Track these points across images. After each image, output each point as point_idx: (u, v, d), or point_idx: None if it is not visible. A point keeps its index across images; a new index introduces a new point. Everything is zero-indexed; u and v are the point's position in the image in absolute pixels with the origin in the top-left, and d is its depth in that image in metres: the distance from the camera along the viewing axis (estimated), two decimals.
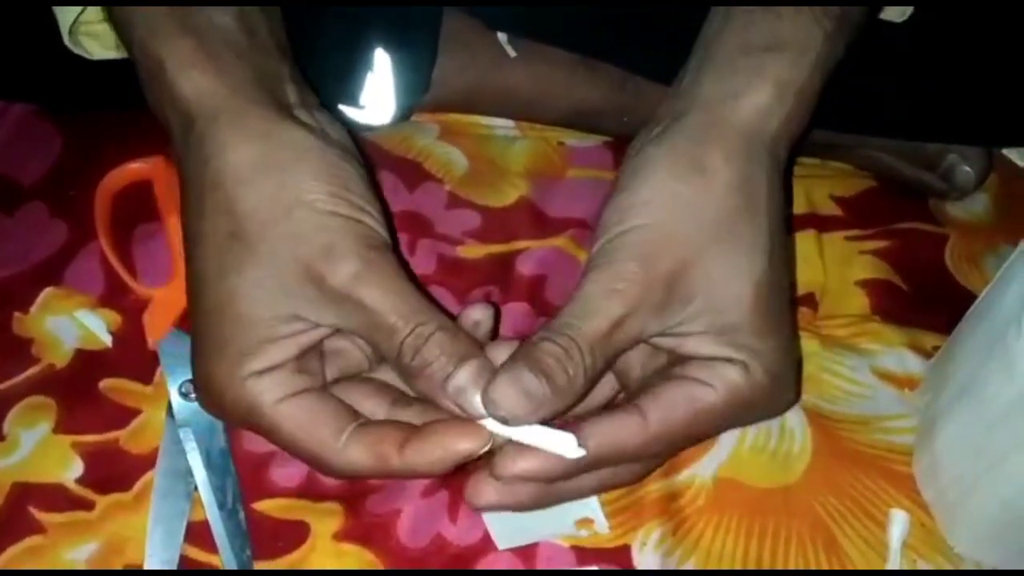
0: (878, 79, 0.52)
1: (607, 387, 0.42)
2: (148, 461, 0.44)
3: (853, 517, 0.44)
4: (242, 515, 0.42)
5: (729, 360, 0.37)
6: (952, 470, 0.42)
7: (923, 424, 0.45)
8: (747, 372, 0.37)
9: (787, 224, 0.41)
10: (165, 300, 0.48)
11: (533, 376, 0.35)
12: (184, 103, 0.39)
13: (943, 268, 0.54)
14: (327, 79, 0.55)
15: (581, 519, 0.43)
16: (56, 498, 0.43)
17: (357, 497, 0.43)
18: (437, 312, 0.37)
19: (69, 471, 0.44)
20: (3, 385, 0.46)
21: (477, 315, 0.41)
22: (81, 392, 0.46)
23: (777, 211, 0.39)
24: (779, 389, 0.39)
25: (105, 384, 0.47)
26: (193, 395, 0.43)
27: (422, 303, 0.37)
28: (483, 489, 0.37)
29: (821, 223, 0.55)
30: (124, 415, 0.46)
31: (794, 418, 0.46)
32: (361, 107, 0.56)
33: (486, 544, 0.42)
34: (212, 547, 0.41)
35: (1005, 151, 0.59)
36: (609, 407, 0.40)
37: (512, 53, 0.56)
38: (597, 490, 0.41)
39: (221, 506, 0.42)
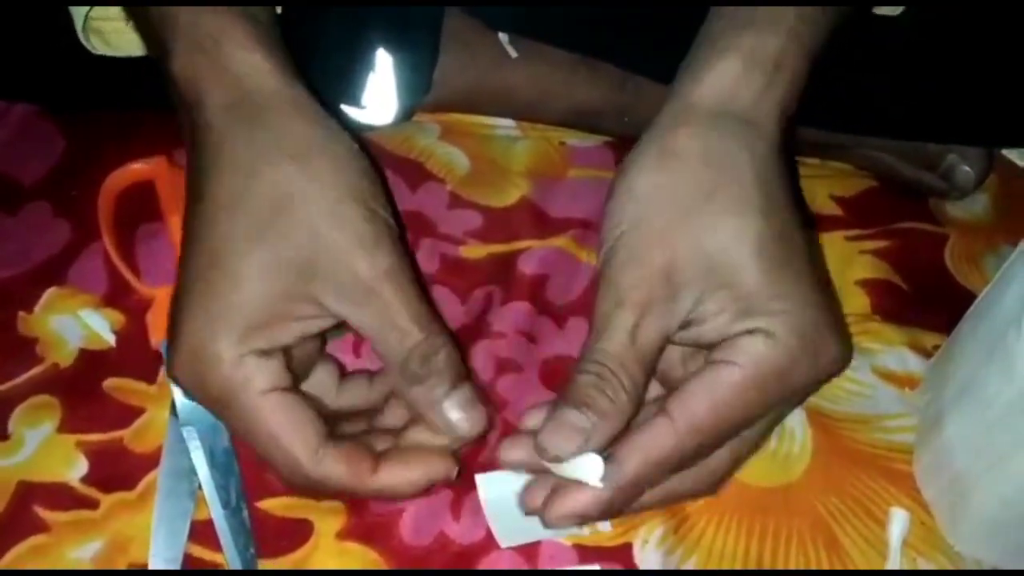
0: (878, 79, 0.52)
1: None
2: (152, 460, 0.44)
3: (854, 516, 0.44)
4: (246, 514, 0.42)
5: (749, 332, 0.36)
6: (952, 469, 0.42)
7: (923, 423, 0.46)
8: (771, 338, 0.36)
9: (794, 188, 0.40)
10: (168, 300, 0.48)
11: (575, 411, 0.36)
12: (238, 79, 0.39)
13: (943, 268, 0.54)
14: (329, 79, 0.55)
15: None
16: (60, 497, 0.43)
17: None
18: (445, 327, 0.39)
19: (73, 470, 0.44)
20: (7, 384, 0.47)
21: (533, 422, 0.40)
22: (85, 391, 0.47)
23: (769, 172, 0.38)
24: (816, 346, 0.37)
25: (109, 383, 0.47)
26: None
27: (434, 314, 0.38)
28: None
29: (821, 223, 0.55)
30: (128, 414, 0.46)
31: (795, 418, 0.46)
32: (363, 107, 0.56)
33: (489, 542, 0.43)
34: (216, 546, 0.42)
35: (1005, 151, 0.59)
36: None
37: (513, 53, 0.56)
38: (667, 502, 0.41)
39: (225, 505, 0.42)
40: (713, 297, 0.37)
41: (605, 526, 0.43)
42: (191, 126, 0.40)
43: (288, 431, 0.37)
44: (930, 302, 0.52)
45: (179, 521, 0.42)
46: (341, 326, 0.39)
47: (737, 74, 0.39)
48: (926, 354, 0.49)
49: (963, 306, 0.45)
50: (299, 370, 0.40)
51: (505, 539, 0.43)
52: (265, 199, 0.37)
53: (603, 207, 0.39)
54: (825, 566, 0.42)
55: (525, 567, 0.42)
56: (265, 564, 0.42)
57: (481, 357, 0.48)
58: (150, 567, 0.41)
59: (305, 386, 0.41)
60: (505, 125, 0.59)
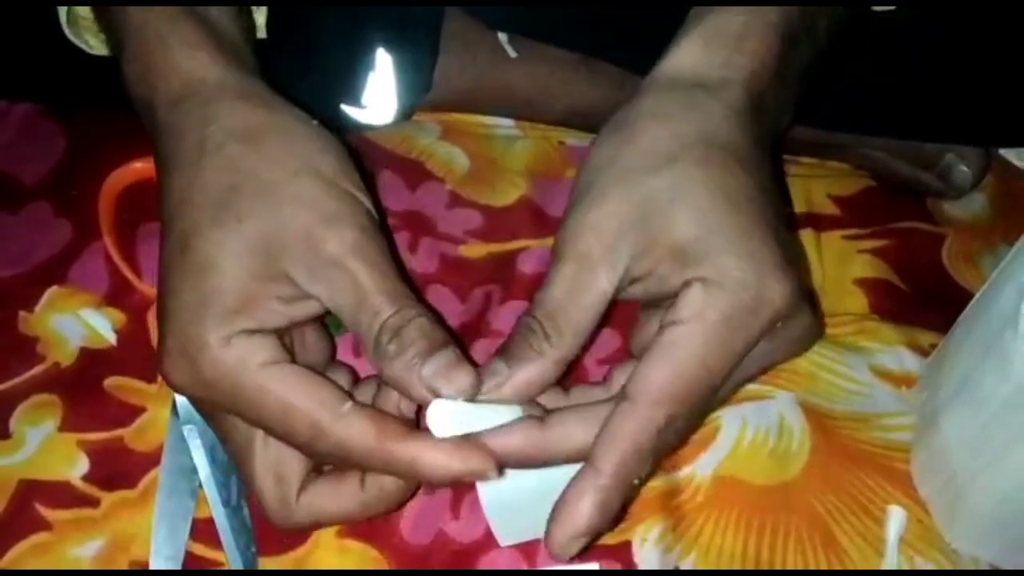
0: (876, 79, 0.53)
1: None
2: (153, 459, 0.44)
3: (851, 514, 0.44)
4: (246, 511, 0.43)
5: (688, 283, 0.35)
6: (949, 467, 0.43)
7: (920, 422, 0.46)
8: (709, 285, 0.34)
9: (769, 163, 0.39)
10: None
11: (498, 359, 0.36)
12: (183, 74, 0.39)
13: (940, 267, 0.54)
14: (329, 78, 0.55)
15: None
16: (62, 495, 0.44)
17: None
18: (418, 302, 0.37)
19: (74, 468, 0.44)
20: (9, 383, 0.47)
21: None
22: (86, 390, 0.47)
23: (718, 129, 0.37)
24: (760, 282, 0.35)
25: (110, 382, 0.47)
26: None
27: (407, 289, 0.37)
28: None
29: (819, 222, 0.55)
30: (129, 413, 0.46)
31: (793, 416, 0.46)
32: (363, 106, 0.56)
33: (488, 540, 0.43)
34: (217, 544, 0.42)
35: (1002, 151, 0.59)
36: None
37: (512, 53, 0.56)
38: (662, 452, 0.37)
39: (225, 503, 0.42)
40: (650, 248, 0.36)
41: None
42: (149, 126, 0.40)
43: (301, 394, 0.35)
44: (927, 301, 0.52)
45: (180, 519, 0.43)
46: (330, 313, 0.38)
47: (697, 50, 0.39)
48: (923, 353, 0.49)
49: (960, 305, 0.45)
50: None
51: (505, 537, 0.43)
52: (218, 184, 0.37)
53: None
54: (823, 564, 0.43)
55: (525, 565, 0.42)
56: (266, 562, 0.42)
57: (480, 356, 0.48)
58: (151, 565, 0.41)
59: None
60: (505, 125, 0.59)
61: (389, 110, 0.57)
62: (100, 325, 0.49)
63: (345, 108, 0.56)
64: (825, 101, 0.49)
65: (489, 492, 0.43)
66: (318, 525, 0.40)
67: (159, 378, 0.47)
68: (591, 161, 0.39)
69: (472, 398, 0.35)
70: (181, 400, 0.44)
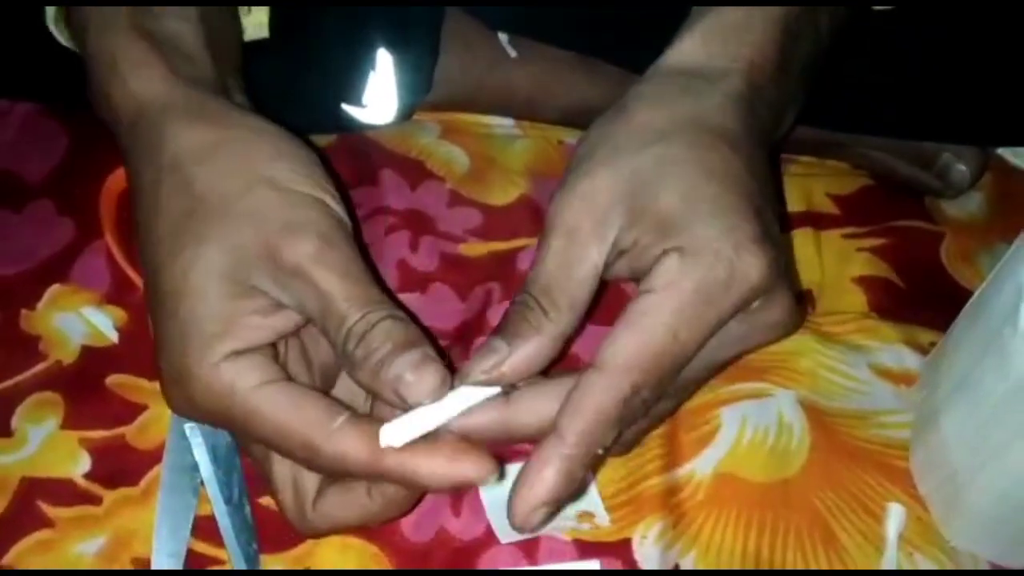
0: (874, 78, 0.53)
1: None
2: (155, 456, 0.45)
3: (850, 511, 0.44)
4: (248, 509, 0.43)
5: (665, 252, 0.35)
6: (948, 465, 0.43)
7: (920, 419, 0.46)
8: (685, 255, 0.34)
9: (764, 149, 0.39)
10: None
11: (496, 337, 0.35)
12: (135, 96, 0.39)
13: (939, 265, 0.54)
14: (330, 78, 0.55)
15: (582, 512, 0.44)
16: (64, 493, 0.44)
17: None
18: (390, 302, 0.36)
19: (77, 466, 0.45)
20: (11, 381, 0.47)
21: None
22: (88, 388, 0.47)
23: (709, 112, 0.37)
24: (735, 254, 0.34)
25: (112, 380, 0.47)
26: None
27: (376, 291, 0.36)
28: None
29: (818, 221, 0.55)
30: (131, 411, 0.46)
31: (792, 414, 0.47)
32: (363, 106, 0.56)
33: (489, 538, 0.43)
34: (219, 541, 0.42)
35: (1000, 150, 0.59)
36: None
37: (512, 53, 0.56)
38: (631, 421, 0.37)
39: (227, 500, 0.42)
40: (636, 220, 0.36)
41: (604, 521, 0.43)
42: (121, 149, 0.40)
43: (292, 415, 0.35)
44: (926, 299, 0.52)
45: (182, 517, 0.43)
46: None
47: (698, 43, 0.40)
48: (922, 351, 0.49)
49: (959, 303, 0.45)
50: (323, 382, 0.40)
51: (505, 535, 0.43)
52: (175, 209, 0.36)
53: None
54: (822, 561, 0.43)
55: (525, 562, 0.43)
56: (267, 560, 0.42)
57: None
58: (153, 563, 0.42)
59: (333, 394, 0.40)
60: (504, 124, 0.59)
61: (389, 110, 0.57)
62: (102, 323, 0.49)
63: (346, 107, 0.56)
64: (824, 100, 0.49)
65: (489, 489, 0.43)
66: (336, 531, 0.39)
67: None
68: (586, 140, 0.39)
69: (441, 397, 0.34)
70: None
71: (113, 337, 0.49)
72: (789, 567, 0.43)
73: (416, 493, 0.38)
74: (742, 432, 0.46)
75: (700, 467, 0.45)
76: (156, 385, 0.46)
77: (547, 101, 0.57)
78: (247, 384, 0.35)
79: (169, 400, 0.37)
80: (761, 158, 0.38)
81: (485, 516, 0.43)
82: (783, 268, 0.36)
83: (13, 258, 0.51)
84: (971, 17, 0.51)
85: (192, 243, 0.36)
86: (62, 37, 0.46)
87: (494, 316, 0.50)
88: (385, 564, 0.42)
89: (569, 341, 0.36)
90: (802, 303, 0.42)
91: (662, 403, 0.38)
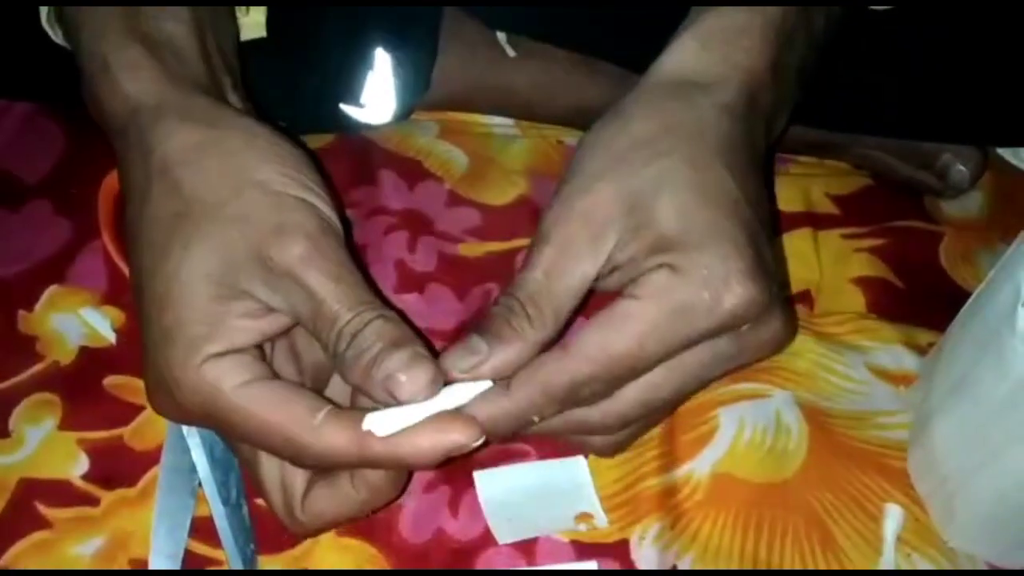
0: (874, 78, 0.53)
1: None
2: (152, 457, 0.45)
3: (848, 512, 0.44)
4: (246, 510, 0.43)
5: (657, 267, 0.35)
6: (946, 465, 0.43)
7: (918, 420, 0.46)
8: (675, 272, 0.35)
9: (756, 156, 0.40)
10: None
11: (477, 336, 0.36)
12: (126, 99, 0.39)
13: (938, 266, 0.54)
14: (328, 78, 0.55)
15: (580, 513, 0.44)
16: (62, 494, 0.44)
17: None
18: (380, 303, 0.36)
19: (74, 467, 0.44)
20: (8, 383, 0.47)
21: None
22: (86, 389, 0.47)
23: (710, 127, 0.38)
24: (723, 283, 0.35)
25: (109, 381, 0.47)
26: None
27: (366, 293, 0.36)
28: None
29: (817, 221, 0.55)
30: (128, 412, 0.46)
31: (790, 414, 0.47)
32: (362, 106, 0.56)
33: (486, 539, 0.43)
34: (216, 542, 0.42)
35: (999, 150, 0.59)
36: None
37: (511, 52, 0.56)
38: (568, 432, 0.39)
39: (225, 501, 0.42)
40: (632, 238, 0.36)
41: (602, 522, 0.43)
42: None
43: (274, 412, 0.34)
44: (925, 300, 0.52)
45: (180, 518, 0.43)
46: None
47: (695, 47, 0.40)
48: (921, 351, 0.49)
49: (958, 303, 0.45)
50: (314, 383, 0.40)
51: (503, 535, 0.43)
52: (164, 213, 0.36)
53: None
54: (820, 562, 0.43)
55: (523, 563, 0.42)
56: (265, 560, 0.42)
57: None
58: (151, 563, 0.42)
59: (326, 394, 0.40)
60: (503, 124, 0.59)
61: (388, 109, 0.57)
62: (99, 324, 0.49)
63: (344, 107, 0.56)
64: (824, 101, 0.49)
65: (487, 490, 0.43)
66: (328, 527, 0.39)
67: None
68: (583, 146, 0.39)
69: (433, 395, 0.34)
70: None
71: (111, 338, 0.49)
72: (787, 568, 0.43)
73: (401, 476, 0.38)
74: (740, 433, 0.46)
75: (698, 468, 0.45)
76: None
77: (546, 101, 0.57)
78: (231, 383, 0.35)
79: (155, 404, 0.37)
80: (756, 171, 0.39)
81: (483, 517, 0.43)
82: (774, 294, 0.37)
83: (10, 258, 0.51)
84: (971, 17, 0.51)
85: (180, 247, 0.35)
86: (56, 36, 0.46)
87: None
88: (383, 565, 0.42)
89: (548, 346, 0.37)
90: (792, 311, 0.42)
91: (651, 418, 0.40)
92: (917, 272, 0.53)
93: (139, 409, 0.46)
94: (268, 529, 0.43)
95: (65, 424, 0.46)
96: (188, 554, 0.42)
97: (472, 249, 0.53)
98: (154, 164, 0.37)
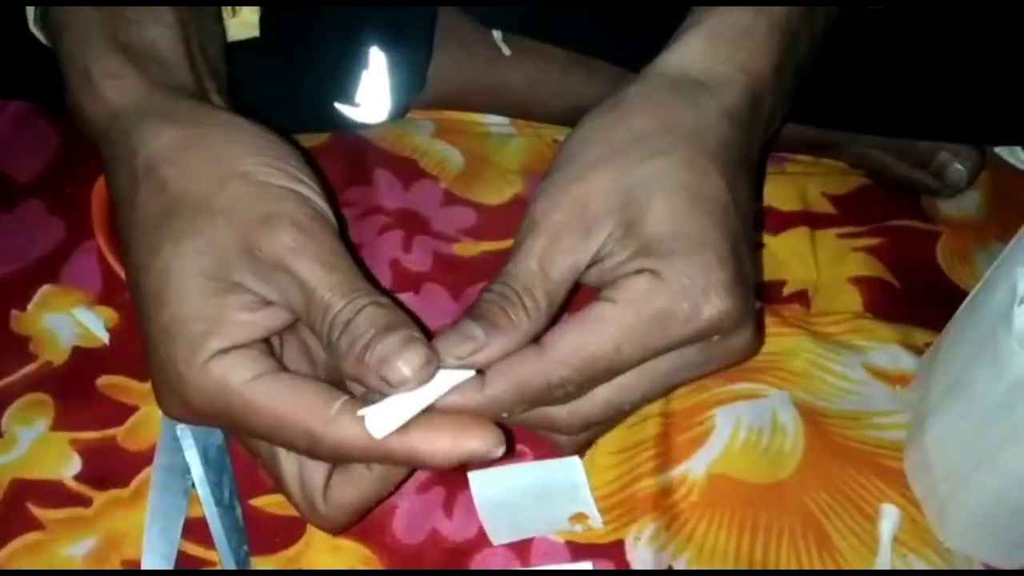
0: (871, 77, 0.53)
1: None
2: (145, 458, 0.44)
3: (844, 512, 0.44)
4: (239, 511, 0.43)
5: (639, 271, 0.35)
6: (942, 466, 0.43)
7: (914, 420, 0.46)
8: (656, 279, 0.35)
9: (752, 171, 0.40)
10: None
11: (472, 322, 0.35)
12: (108, 105, 0.39)
13: (935, 265, 0.54)
14: (323, 77, 0.55)
15: (575, 514, 0.43)
16: (54, 495, 0.44)
17: None
18: (374, 290, 0.35)
19: (67, 468, 0.44)
20: (1, 382, 0.47)
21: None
22: (79, 389, 0.47)
23: (709, 128, 0.38)
24: (702, 294, 0.35)
25: (102, 381, 0.47)
26: None
27: (358, 280, 0.35)
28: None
29: (814, 220, 0.55)
30: (121, 412, 0.46)
31: (786, 414, 0.46)
32: (357, 105, 0.56)
33: (481, 539, 0.43)
34: (209, 543, 0.42)
35: (997, 149, 0.59)
36: None
37: (507, 51, 0.56)
38: (533, 428, 0.39)
39: (218, 502, 0.42)
40: (622, 234, 0.36)
41: (597, 523, 0.43)
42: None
43: (289, 404, 0.34)
44: (922, 299, 0.52)
45: (173, 518, 0.42)
46: None
47: (700, 46, 0.40)
48: (918, 351, 0.49)
49: (954, 303, 0.45)
50: (331, 380, 0.39)
51: (497, 536, 0.43)
52: (152, 212, 0.36)
53: None
54: (816, 562, 0.43)
55: (517, 564, 0.42)
56: (258, 561, 0.42)
57: None
58: (143, 564, 0.41)
59: None
60: (499, 123, 0.59)
61: (383, 108, 0.57)
62: (92, 324, 0.49)
63: (339, 106, 0.56)
64: (821, 100, 0.49)
65: (482, 491, 0.43)
66: (354, 516, 0.38)
67: None
68: (580, 132, 0.39)
69: (429, 378, 0.34)
70: None
71: (104, 338, 0.48)
72: (783, 568, 0.43)
73: None
74: (736, 433, 0.46)
75: (694, 468, 0.45)
76: (147, 386, 0.46)
77: (542, 100, 0.57)
78: (240, 379, 0.34)
79: (163, 405, 0.37)
80: (747, 179, 0.39)
81: (477, 518, 0.43)
82: (751, 306, 0.37)
83: (3, 258, 0.51)
84: (968, 16, 0.51)
85: (170, 243, 0.35)
86: (43, 38, 0.46)
87: None
88: (377, 566, 0.42)
89: (537, 337, 0.37)
90: (762, 321, 0.44)
91: (614, 420, 0.40)
92: (914, 271, 0.53)
93: (132, 409, 0.46)
94: (261, 530, 0.43)
95: (58, 424, 0.45)
96: (181, 555, 0.42)
97: (468, 249, 0.53)
98: (139, 165, 0.37)
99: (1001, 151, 0.59)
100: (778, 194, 0.56)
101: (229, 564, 0.41)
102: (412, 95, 0.57)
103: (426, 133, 0.58)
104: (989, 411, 0.39)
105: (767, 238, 0.54)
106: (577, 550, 0.43)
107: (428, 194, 0.55)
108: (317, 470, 0.37)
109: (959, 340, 0.44)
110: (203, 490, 0.42)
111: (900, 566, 0.43)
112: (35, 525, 0.43)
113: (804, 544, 0.43)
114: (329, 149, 0.57)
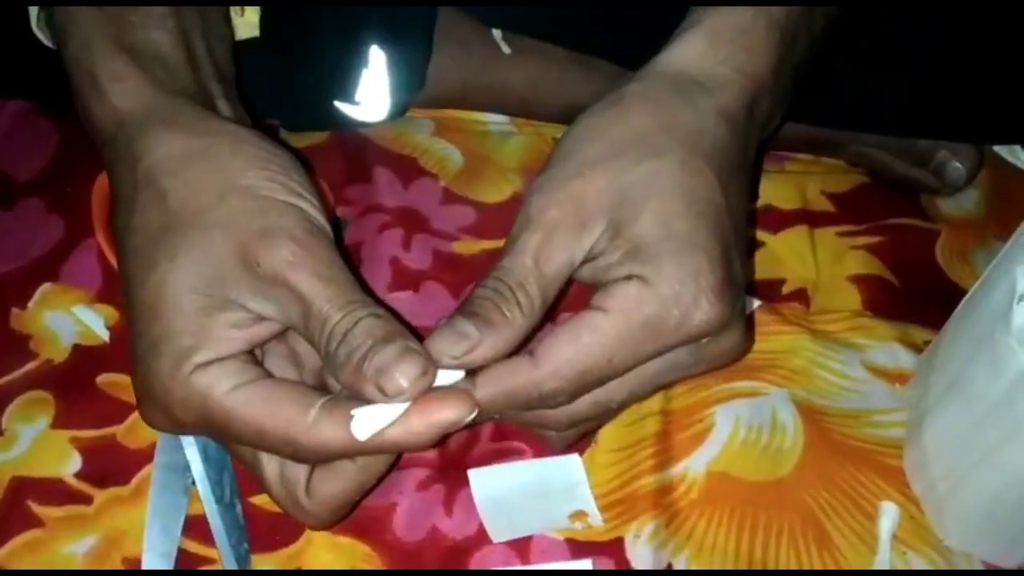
0: (871, 76, 0.53)
1: None
2: (146, 456, 0.44)
3: (844, 510, 0.44)
4: (239, 509, 0.43)
5: (629, 277, 0.36)
6: (941, 464, 0.43)
7: (913, 418, 0.46)
8: (646, 285, 0.35)
9: (748, 172, 0.40)
10: None
11: (466, 319, 0.35)
12: (114, 110, 0.39)
13: (934, 263, 0.54)
14: (323, 76, 0.55)
15: (575, 512, 0.43)
16: (55, 492, 0.44)
17: None
18: (371, 302, 0.35)
19: (67, 465, 0.44)
20: (1, 380, 0.47)
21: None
22: (79, 387, 0.47)
23: (706, 131, 0.38)
24: (692, 300, 0.35)
25: (103, 379, 0.47)
26: None
27: (356, 293, 0.35)
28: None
29: (813, 219, 0.55)
30: (121, 410, 0.46)
31: (786, 412, 0.47)
32: (357, 103, 0.56)
33: (481, 537, 0.43)
34: (210, 541, 0.42)
35: (996, 148, 0.59)
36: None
37: (507, 50, 0.56)
38: (520, 424, 0.40)
39: (218, 500, 0.42)
40: (615, 234, 0.36)
41: (597, 520, 0.43)
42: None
43: (268, 412, 0.34)
44: (921, 297, 0.52)
45: (173, 516, 0.43)
46: None
47: (700, 45, 0.40)
48: (917, 349, 0.49)
49: (954, 301, 0.45)
50: (320, 386, 0.40)
51: (497, 534, 0.43)
52: (150, 224, 0.36)
53: None
54: (816, 560, 0.43)
55: (517, 561, 0.42)
56: (258, 559, 0.42)
57: None
58: (144, 562, 0.41)
59: None
60: (499, 121, 0.59)
61: (383, 107, 0.57)
62: (93, 322, 0.49)
63: (339, 105, 0.56)
64: (821, 98, 0.49)
65: (482, 489, 0.43)
66: (338, 510, 0.38)
67: None
68: (578, 128, 0.39)
69: (427, 388, 0.34)
70: None
71: (104, 336, 0.48)
72: (782, 567, 0.43)
73: None
74: (736, 431, 0.46)
75: (693, 466, 0.45)
76: None
77: (541, 98, 0.57)
78: (221, 389, 0.35)
79: (145, 416, 0.37)
80: (741, 180, 0.39)
81: (477, 515, 0.43)
82: (740, 309, 0.38)
83: (3, 256, 0.51)
84: (968, 15, 0.51)
85: (166, 258, 0.35)
86: (46, 39, 0.46)
87: None
88: (377, 564, 0.42)
89: (531, 334, 0.37)
90: (751, 323, 0.44)
91: (602, 418, 0.40)
92: (913, 270, 0.53)
93: (132, 407, 0.46)
94: (261, 528, 0.43)
95: (58, 422, 0.46)
96: (181, 553, 0.42)
97: (467, 247, 0.53)
98: (140, 174, 0.37)
99: (1000, 150, 0.59)
100: (778, 192, 0.56)
101: (229, 562, 0.41)
102: (412, 94, 0.57)
103: (426, 131, 0.58)
104: (988, 409, 0.39)
105: (767, 236, 0.54)
106: (577, 548, 0.43)
107: (428, 192, 0.55)
108: (300, 468, 0.38)
109: (958, 338, 0.44)
110: (203, 488, 0.42)
111: (899, 564, 0.43)
112: (35, 523, 0.43)
113: (803, 542, 0.43)
114: (329, 147, 0.57)
